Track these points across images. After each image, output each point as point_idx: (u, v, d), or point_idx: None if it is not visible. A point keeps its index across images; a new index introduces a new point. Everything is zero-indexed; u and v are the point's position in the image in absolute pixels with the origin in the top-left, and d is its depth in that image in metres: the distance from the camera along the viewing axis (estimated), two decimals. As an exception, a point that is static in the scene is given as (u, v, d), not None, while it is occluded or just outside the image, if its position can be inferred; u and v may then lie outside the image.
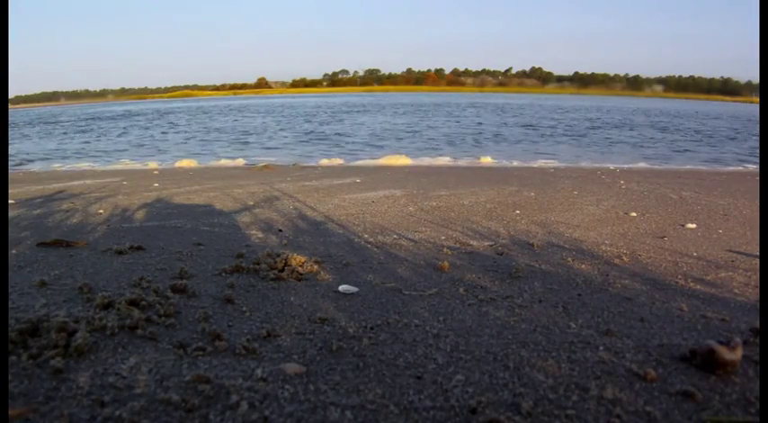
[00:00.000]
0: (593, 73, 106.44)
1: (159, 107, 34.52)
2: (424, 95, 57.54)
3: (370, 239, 2.42)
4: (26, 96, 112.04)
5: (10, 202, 3.40)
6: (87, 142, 11.34)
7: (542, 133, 12.52)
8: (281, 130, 13.54)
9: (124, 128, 15.55)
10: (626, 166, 6.86)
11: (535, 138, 11.44)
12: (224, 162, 7.39)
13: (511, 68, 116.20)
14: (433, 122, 15.66)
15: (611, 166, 6.59)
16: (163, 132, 13.56)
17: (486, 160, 7.51)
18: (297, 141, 10.71)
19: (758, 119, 21.11)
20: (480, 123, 15.56)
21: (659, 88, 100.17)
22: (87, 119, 21.22)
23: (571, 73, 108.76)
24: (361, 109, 24.57)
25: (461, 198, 3.74)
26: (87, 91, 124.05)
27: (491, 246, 2.35)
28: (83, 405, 0.92)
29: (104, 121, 19.35)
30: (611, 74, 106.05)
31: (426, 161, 7.40)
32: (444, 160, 7.56)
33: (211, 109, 28.05)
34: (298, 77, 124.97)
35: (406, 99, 41.27)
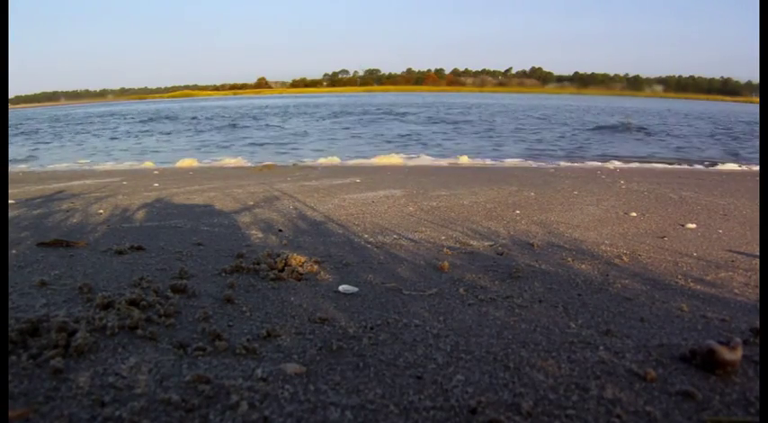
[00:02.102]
0: (593, 73, 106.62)
1: (120, 109, 33.72)
2: (412, 95, 56.88)
3: (370, 239, 2.42)
4: (26, 96, 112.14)
5: (10, 202, 3.40)
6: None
7: (458, 131, 13.05)
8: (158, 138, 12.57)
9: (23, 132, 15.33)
10: (626, 165, 6.86)
11: (438, 136, 11.82)
12: (224, 162, 7.39)
13: (511, 68, 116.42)
14: (349, 125, 15.56)
15: (611, 166, 6.60)
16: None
17: (476, 160, 7.51)
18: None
19: (721, 118, 21.13)
20: (399, 124, 15.64)
21: (659, 88, 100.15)
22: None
23: (571, 73, 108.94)
24: (306, 111, 23.46)
25: (461, 198, 3.74)
26: (87, 91, 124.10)
27: (491, 246, 2.35)
28: (83, 405, 0.92)
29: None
30: (611, 74, 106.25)
31: (426, 161, 7.40)
32: (445, 160, 7.56)
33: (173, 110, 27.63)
34: (298, 77, 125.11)
35: (382, 100, 40.17)
